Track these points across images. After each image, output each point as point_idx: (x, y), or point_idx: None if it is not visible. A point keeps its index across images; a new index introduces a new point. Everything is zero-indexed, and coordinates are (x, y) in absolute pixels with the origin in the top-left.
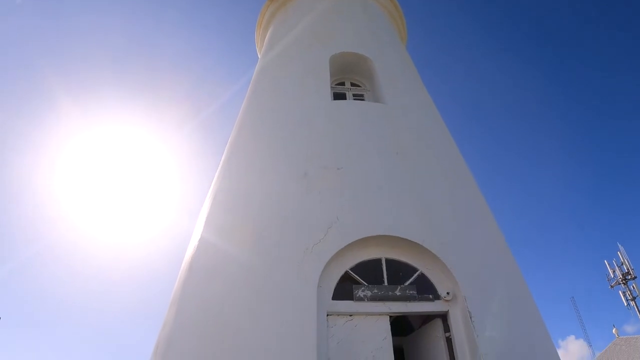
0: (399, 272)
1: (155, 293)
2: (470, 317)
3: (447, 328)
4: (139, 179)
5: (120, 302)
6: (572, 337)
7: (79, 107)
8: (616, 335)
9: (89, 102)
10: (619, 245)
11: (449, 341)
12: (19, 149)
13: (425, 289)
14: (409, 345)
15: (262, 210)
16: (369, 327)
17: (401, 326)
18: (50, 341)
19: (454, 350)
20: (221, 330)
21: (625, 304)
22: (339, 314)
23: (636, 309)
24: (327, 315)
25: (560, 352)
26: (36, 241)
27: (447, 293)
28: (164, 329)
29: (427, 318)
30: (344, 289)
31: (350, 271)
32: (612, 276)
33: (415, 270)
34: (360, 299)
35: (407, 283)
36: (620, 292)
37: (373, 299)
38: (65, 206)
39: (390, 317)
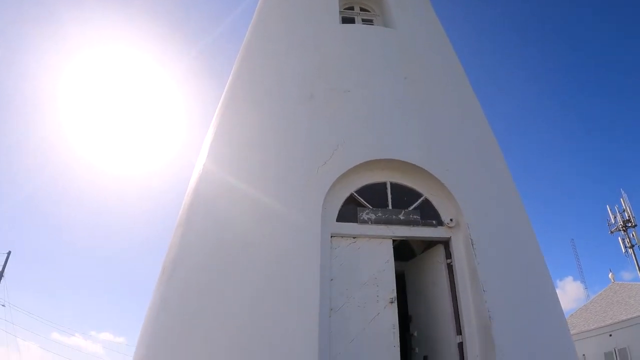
0: (404, 196)
1: (163, 227)
2: (472, 245)
3: (448, 255)
4: (146, 109)
5: (125, 235)
6: (570, 278)
7: (81, 26)
8: (612, 280)
9: (91, 20)
10: (622, 192)
11: (450, 267)
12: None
13: (428, 214)
14: (410, 271)
15: (268, 132)
16: (372, 249)
17: (403, 252)
18: (58, 273)
19: (455, 277)
20: (228, 246)
21: (624, 251)
22: (342, 236)
23: (634, 257)
24: (331, 236)
25: (558, 292)
26: (40, 172)
27: (451, 220)
28: (170, 252)
29: (429, 244)
30: (349, 212)
31: (355, 194)
32: (613, 222)
33: (419, 195)
34: (364, 222)
35: (411, 208)
36: (619, 238)
37: (377, 222)
38: (69, 136)
39: (394, 241)
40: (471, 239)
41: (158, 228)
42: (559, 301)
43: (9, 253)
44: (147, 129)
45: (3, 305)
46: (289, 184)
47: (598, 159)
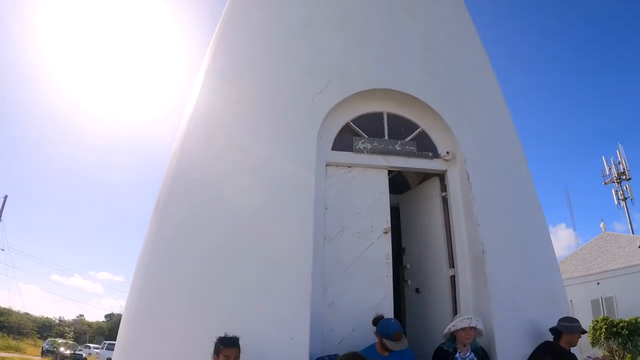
0: (400, 127)
1: (162, 169)
2: (468, 178)
3: (443, 187)
4: (144, 53)
5: (122, 177)
6: (563, 225)
7: None
8: (603, 230)
9: None
10: (619, 145)
11: (444, 200)
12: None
13: (425, 146)
14: (405, 203)
15: (263, 59)
16: (367, 179)
17: (398, 184)
18: (55, 216)
19: (449, 210)
20: (222, 174)
21: (616, 203)
22: (337, 165)
23: (625, 210)
24: (326, 165)
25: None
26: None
27: (447, 152)
28: (165, 183)
29: (424, 177)
30: (344, 141)
31: (351, 123)
32: (608, 173)
33: (416, 127)
34: (360, 151)
35: (407, 139)
36: (613, 190)
37: (373, 151)
38: (60, 78)
39: (389, 173)
40: (467, 173)
41: (155, 170)
42: (550, 241)
43: (5, 197)
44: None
45: (2, 250)
46: (283, 112)
47: (598, 109)
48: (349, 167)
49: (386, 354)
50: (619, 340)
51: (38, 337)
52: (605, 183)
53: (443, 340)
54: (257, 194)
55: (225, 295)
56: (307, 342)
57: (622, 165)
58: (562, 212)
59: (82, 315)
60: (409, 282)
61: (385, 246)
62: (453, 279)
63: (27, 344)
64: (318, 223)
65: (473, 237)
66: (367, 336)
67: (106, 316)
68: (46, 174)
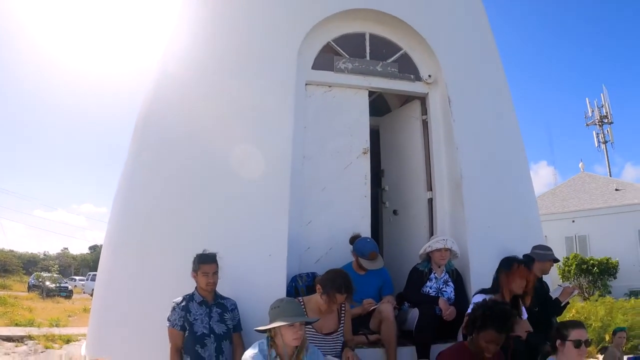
0: (383, 49)
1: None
2: (449, 103)
3: (424, 111)
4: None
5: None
6: (544, 162)
7: None
8: (581, 170)
9: None
10: (604, 87)
11: (425, 124)
12: None
13: (407, 68)
14: (385, 126)
15: None
16: (347, 99)
17: (378, 107)
18: (35, 152)
19: (429, 133)
20: (201, 94)
21: (596, 145)
22: (318, 84)
23: (605, 153)
24: (306, 84)
25: (531, 174)
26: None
27: (429, 76)
28: (143, 107)
29: (405, 100)
30: (325, 60)
31: (332, 42)
32: (590, 115)
33: (399, 49)
34: (341, 71)
35: (389, 60)
36: (594, 132)
37: (353, 72)
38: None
39: (370, 95)
40: (449, 97)
41: (134, 104)
42: (529, 170)
43: None
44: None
45: None
46: (263, 30)
47: (585, 51)
48: (330, 86)
49: (362, 272)
50: (589, 277)
51: (24, 273)
52: (587, 125)
53: (419, 261)
54: (235, 113)
55: (204, 214)
56: (284, 259)
57: (605, 108)
58: (545, 150)
59: (67, 249)
60: (387, 204)
61: (364, 166)
62: (431, 202)
63: (14, 280)
64: (297, 142)
65: (452, 161)
66: (344, 255)
67: (90, 248)
68: (25, 108)
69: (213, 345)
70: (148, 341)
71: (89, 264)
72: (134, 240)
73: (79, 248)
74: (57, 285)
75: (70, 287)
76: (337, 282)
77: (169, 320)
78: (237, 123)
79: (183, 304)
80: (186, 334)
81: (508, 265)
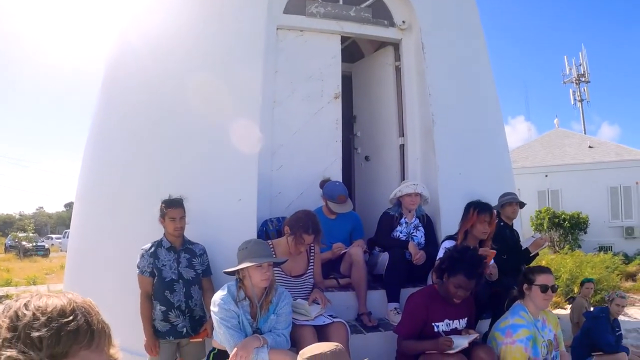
0: None
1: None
2: (423, 49)
3: (397, 57)
4: None
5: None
6: (522, 117)
7: None
8: (556, 126)
9: None
10: (583, 47)
11: (397, 70)
12: None
13: (381, 14)
14: (358, 71)
15: None
16: (320, 44)
17: (351, 53)
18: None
19: (402, 80)
20: (166, 42)
21: (572, 103)
22: (289, 29)
23: (581, 111)
24: (277, 29)
25: (508, 129)
26: None
27: (403, 22)
28: (112, 53)
29: (379, 46)
30: (297, 4)
31: None
32: (568, 73)
33: None
34: (313, 15)
35: (363, 5)
36: (570, 90)
37: (326, 16)
38: None
39: (343, 41)
40: (422, 43)
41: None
42: (502, 120)
43: None
44: None
45: None
46: None
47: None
48: (301, 31)
49: (333, 216)
50: (560, 231)
51: (0, 235)
52: (564, 82)
53: (390, 206)
54: (205, 57)
55: (173, 160)
56: (255, 204)
57: (583, 67)
58: (522, 105)
59: (42, 208)
60: (359, 150)
61: (335, 111)
62: (402, 148)
63: None
64: (267, 86)
65: (424, 107)
66: (315, 200)
67: (66, 205)
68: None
69: (182, 291)
70: (123, 290)
71: (65, 221)
72: (107, 191)
73: (55, 206)
74: (34, 244)
75: (47, 245)
76: (305, 222)
77: (138, 267)
78: (207, 67)
79: (151, 250)
80: (155, 280)
81: (467, 210)
